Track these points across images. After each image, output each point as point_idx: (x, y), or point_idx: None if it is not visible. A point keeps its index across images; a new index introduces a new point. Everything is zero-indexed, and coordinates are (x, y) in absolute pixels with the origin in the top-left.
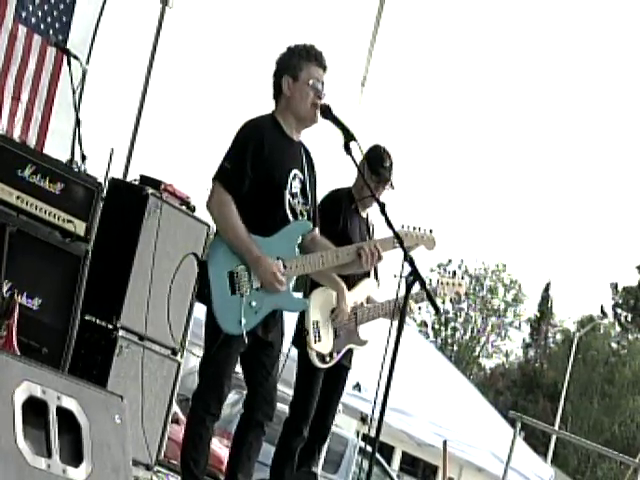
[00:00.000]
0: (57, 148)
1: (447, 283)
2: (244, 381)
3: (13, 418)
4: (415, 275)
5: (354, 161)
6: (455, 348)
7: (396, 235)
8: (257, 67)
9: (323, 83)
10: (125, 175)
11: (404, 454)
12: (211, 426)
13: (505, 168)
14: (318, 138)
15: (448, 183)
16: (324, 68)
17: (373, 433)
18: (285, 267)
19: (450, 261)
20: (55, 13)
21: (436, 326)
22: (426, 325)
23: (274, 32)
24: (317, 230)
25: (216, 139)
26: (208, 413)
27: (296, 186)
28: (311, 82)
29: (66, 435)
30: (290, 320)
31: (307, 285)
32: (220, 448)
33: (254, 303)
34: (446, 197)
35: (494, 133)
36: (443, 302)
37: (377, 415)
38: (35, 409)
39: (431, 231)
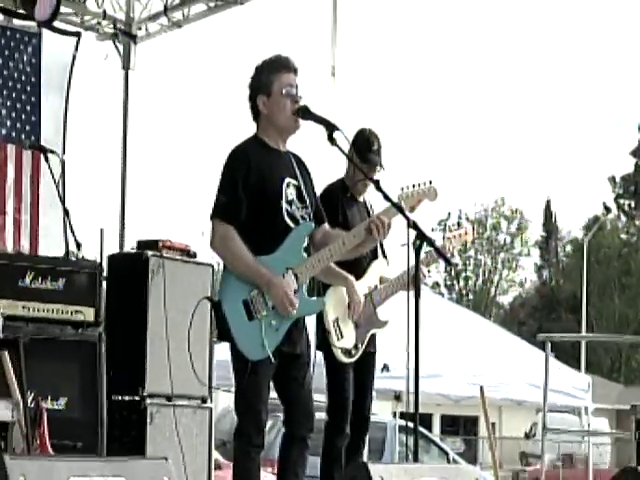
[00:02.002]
0: (51, 244)
1: (453, 236)
2: (279, 398)
3: None
4: (421, 237)
5: (341, 150)
6: (471, 297)
7: (394, 205)
8: (228, 100)
9: (297, 86)
10: (122, 245)
11: (442, 417)
12: (257, 458)
13: (476, 102)
14: (305, 141)
15: (430, 135)
16: (294, 71)
17: (410, 407)
18: (296, 275)
19: (449, 214)
20: (23, 116)
21: (448, 282)
22: (438, 285)
23: (239, 58)
24: (326, 224)
25: (202, 181)
26: (252, 445)
27: (291, 193)
28: (284, 91)
29: None
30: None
31: (319, 289)
32: (265, 477)
33: (274, 322)
34: (428, 149)
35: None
36: (452, 256)
37: (412, 387)
38: None
39: (430, 182)
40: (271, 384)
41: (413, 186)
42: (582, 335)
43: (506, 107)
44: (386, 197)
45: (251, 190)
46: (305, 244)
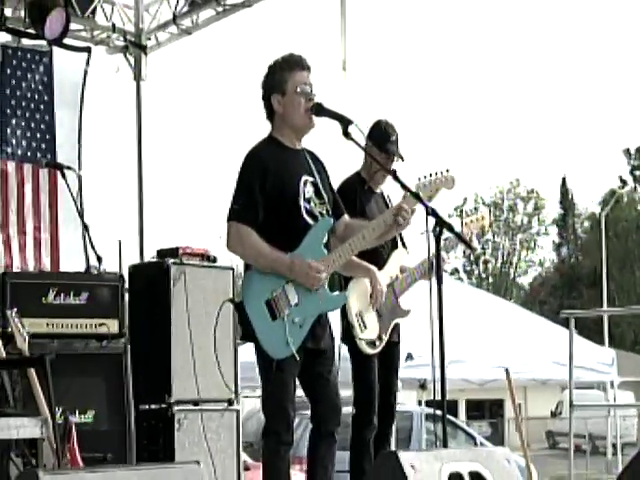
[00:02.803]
0: (72, 259)
1: (470, 221)
2: (305, 395)
3: None
4: (441, 223)
5: (357, 144)
6: (491, 280)
7: (412, 193)
8: (241, 103)
9: (311, 84)
10: (142, 255)
11: (468, 402)
12: (287, 456)
13: (485, 87)
14: (317, 137)
15: (441, 123)
16: (308, 69)
17: (436, 394)
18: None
19: (465, 199)
20: (39, 135)
21: (467, 267)
22: (457, 271)
23: (250, 60)
24: (346, 216)
25: (218, 185)
26: (281, 443)
27: (309, 191)
28: (299, 89)
29: None
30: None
31: (341, 283)
32: (294, 475)
33: (297, 319)
34: (441, 137)
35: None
36: (471, 241)
37: (437, 374)
38: None
39: (448, 170)
40: (297, 381)
41: (430, 175)
42: (604, 310)
43: (515, 88)
44: (404, 186)
45: (269, 191)
46: (325, 240)
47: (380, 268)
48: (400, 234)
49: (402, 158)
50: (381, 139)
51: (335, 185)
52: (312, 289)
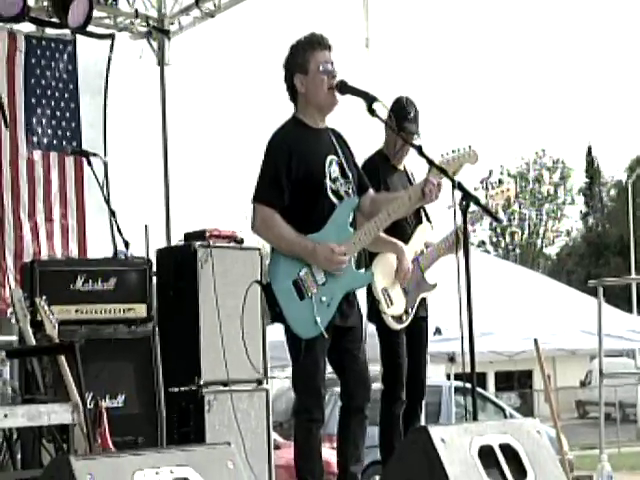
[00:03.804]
0: (99, 245)
1: (496, 193)
2: (334, 372)
3: None
4: (467, 197)
5: (382, 120)
6: (518, 251)
7: (438, 167)
8: (265, 84)
9: (332, 63)
10: (169, 239)
11: (497, 374)
12: (318, 433)
13: (508, 60)
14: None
15: (465, 97)
16: (329, 48)
17: (465, 367)
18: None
19: (491, 172)
20: (64, 123)
21: (494, 239)
22: (484, 243)
23: (274, 40)
24: (371, 191)
25: (243, 166)
26: (313, 421)
27: (334, 170)
28: (321, 68)
29: None
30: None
31: (366, 260)
32: (324, 452)
33: (324, 298)
34: (465, 111)
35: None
36: (497, 212)
37: (466, 347)
38: None
39: (470, 146)
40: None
41: (453, 151)
42: (632, 277)
43: (539, 58)
44: (429, 161)
45: (294, 173)
46: (350, 219)
47: (405, 243)
48: (425, 209)
49: (419, 134)
50: (400, 116)
51: (358, 163)
52: (336, 274)
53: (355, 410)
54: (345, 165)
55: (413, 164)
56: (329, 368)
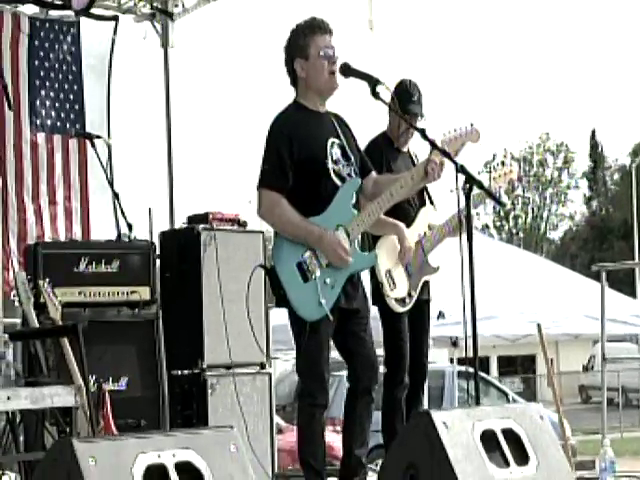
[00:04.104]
0: (103, 228)
1: (498, 175)
2: (340, 354)
3: None
4: (471, 180)
5: (385, 103)
6: (521, 235)
7: (441, 151)
8: (268, 67)
9: (333, 47)
10: (172, 222)
11: (500, 359)
12: (321, 418)
13: (511, 42)
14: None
15: (470, 79)
16: (330, 32)
17: (468, 352)
18: (348, 232)
19: (494, 155)
20: (68, 106)
21: (497, 223)
22: (488, 227)
23: (277, 23)
24: (373, 173)
25: (246, 149)
26: (316, 405)
27: (336, 152)
28: (322, 52)
29: None
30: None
31: (369, 243)
32: (327, 435)
33: (328, 280)
34: (469, 94)
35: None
36: (500, 196)
37: (469, 331)
38: (156, 476)
39: (472, 124)
40: (331, 343)
41: (455, 130)
42: (636, 262)
43: (544, 41)
44: (433, 144)
45: (297, 156)
46: (353, 200)
47: (408, 226)
48: (428, 192)
49: (423, 116)
50: (404, 99)
51: (361, 146)
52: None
53: (362, 392)
54: (347, 148)
55: (417, 146)
56: (332, 352)
